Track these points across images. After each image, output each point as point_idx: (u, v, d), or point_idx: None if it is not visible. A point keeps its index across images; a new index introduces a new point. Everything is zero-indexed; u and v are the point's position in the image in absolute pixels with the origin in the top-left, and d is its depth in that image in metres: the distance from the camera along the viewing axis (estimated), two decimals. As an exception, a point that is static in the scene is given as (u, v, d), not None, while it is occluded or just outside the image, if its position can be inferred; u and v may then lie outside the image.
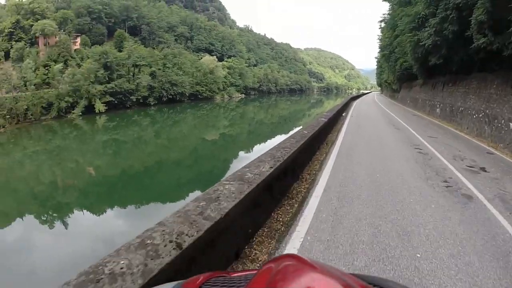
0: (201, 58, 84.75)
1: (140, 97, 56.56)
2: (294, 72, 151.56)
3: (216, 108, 66.81)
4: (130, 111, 53.03)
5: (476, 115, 15.31)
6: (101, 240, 11.15)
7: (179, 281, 0.71)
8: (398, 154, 9.67)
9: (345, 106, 25.59)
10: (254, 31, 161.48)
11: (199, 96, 72.53)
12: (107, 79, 51.57)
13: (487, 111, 14.18)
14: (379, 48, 43.62)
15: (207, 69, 76.88)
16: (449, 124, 18.30)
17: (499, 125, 12.93)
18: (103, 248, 8.19)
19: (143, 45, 73.82)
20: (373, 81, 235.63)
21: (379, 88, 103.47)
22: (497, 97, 13.54)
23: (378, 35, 57.60)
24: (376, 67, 79.46)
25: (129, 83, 55.42)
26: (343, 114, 20.31)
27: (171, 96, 63.04)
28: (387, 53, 34.99)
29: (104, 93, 49.96)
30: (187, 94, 68.29)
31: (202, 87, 73.71)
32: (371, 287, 0.51)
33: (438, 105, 22.01)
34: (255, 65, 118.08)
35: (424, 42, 16.47)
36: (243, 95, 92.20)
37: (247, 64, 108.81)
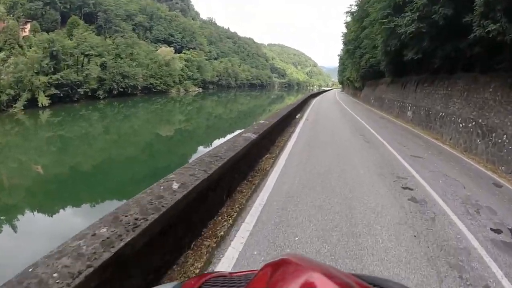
0: (158, 49, 79.20)
1: (88, 90, 51.25)
2: (256, 67, 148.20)
3: (171, 102, 62.70)
4: (78, 105, 48.17)
5: (463, 124, 12.17)
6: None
7: (179, 281, 0.71)
8: (381, 215, 5.02)
9: (302, 105, 22.13)
10: (217, 24, 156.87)
11: (153, 89, 67.35)
12: (52, 69, 45.75)
13: (480, 120, 11.01)
14: (343, 44, 40.72)
15: (162, 61, 71.40)
16: (426, 132, 15.20)
17: (499, 140, 9.73)
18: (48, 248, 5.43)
19: (98, 34, 68.19)
20: (335, 78, 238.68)
21: (340, 85, 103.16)
22: (496, 104, 10.34)
23: (342, 32, 56.35)
24: (338, 64, 77.59)
25: (77, 74, 49.82)
26: (297, 116, 16.78)
27: (122, 89, 57.79)
28: (352, 49, 32.00)
29: (49, 85, 44.23)
30: (140, 88, 63.06)
31: (157, 80, 68.37)
32: (371, 287, 0.51)
33: (409, 107, 19.01)
34: (215, 59, 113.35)
35: (403, 30, 13.03)
36: (200, 89, 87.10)
37: (207, 57, 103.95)
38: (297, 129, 12.95)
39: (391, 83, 24.20)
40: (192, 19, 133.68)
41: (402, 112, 20.22)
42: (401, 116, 20.28)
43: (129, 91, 59.92)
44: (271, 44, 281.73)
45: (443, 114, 14.14)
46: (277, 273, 0.51)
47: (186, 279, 0.69)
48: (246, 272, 0.67)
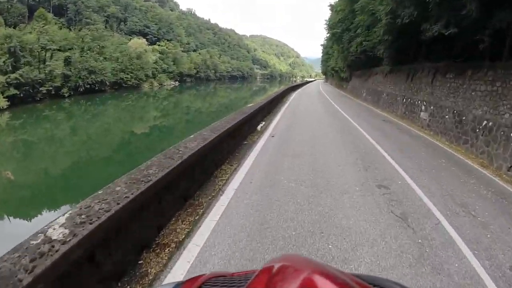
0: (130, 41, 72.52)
1: (51, 88, 45.39)
2: (237, 58, 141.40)
3: (143, 98, 57.01)
4: (41, 105, 43.01)
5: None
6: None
7: (179, 281, 0.70)
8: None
9: (274, 103, 16.56)
10: (197, 15, 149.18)
11: (123, 84, 60.97)
12: (10, 68, 40.28)
13: None
14: (328, 28, 34.75)
15: (133, 54, 64.67)
16: (459, 148, 9.85)
17: None
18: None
19: (69, 28, 62.36)
20: (318, 69, 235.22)
21: (324, 76, 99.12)
22: None
23: (325, 20, 51.55)
24: (321, 54, 73.83)
25: (39, 71, 44.07)
26: (259, 127, 11.13)
27: (88, 86, 51.89)
28: (338, 32, 26.27)
29: (7, 85, 39.02)
30: (108, 83, 56.68)
31: (127, 74, 61.90)
32: (371, 287, 0.50)
33: (423, 107, 13.54)
34: (194, 50, 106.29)
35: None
36: (177, 82, 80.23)
37: (185, 49, 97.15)
38: (246, 162, 6.96)
39: (390, 72, 18.76)
40: (171, 10, 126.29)
41: (411, 112, 14.75)
42: (409, 118, 14.83)
43: (97, 88, 53.88)
44: (253, 35, 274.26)
45: (491, 124, 8.66)
46: (277, 273, 0.50)
47: (186, 279, 0.67)
48: (246, 272, 0.65)
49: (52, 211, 11.74)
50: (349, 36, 23.67)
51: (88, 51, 56.10)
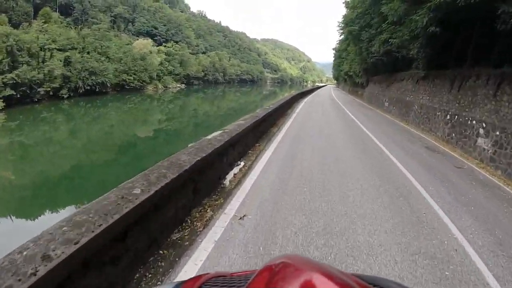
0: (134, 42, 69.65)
1: (50, 89, 42.90)
2: (247, 61, 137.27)
3: (147, 101, 54.13)
4: (39, 106, 41.10)
5: None
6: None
7: (179, 281, 0.70)
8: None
9: (272, 120, 12.35)
10: (208, 18, 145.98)
11: (126, 86, 57.84)
12: (7, 67, 37.94)
13: None
14: (343, 27, 30.19)
15: (137, 55, 61.52)
16: None
17: None
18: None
19: (76, 27, 60.17)
20: (329, 74, 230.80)
21: (335, 81, 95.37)
22: None
23: (338, 22, 47.95)
24: (333, 59, 69.08)
25: (38, 72, 41.46)
26: (234, 173, 6.07)
27: (89, 87, 49.11)
28: (356, 30, 22.04)
29: (3, 85, 36.81)
30: (109, 85, 53.74)
31: (130, 76, 58.68)
32: (371, 287, 0.50)
33: (484, 131, 9.35)
34: (204, 53, 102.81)
35: None
36: (183, 85, 76.77)
37: (194, 51, 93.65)
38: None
39: (424, 78, 14.56)
40: (181, 12, 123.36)
41: (461, 135, 10.54)
42: (458, 143, 10.62)
43: (98, 89, 50.95)
44: (265, 39, 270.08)
45: None
46: (277, 273, 0.49)
47: (186, 279, 0.66)
48: (246, 273, 0.65)
49: (48, 214, 11.31)
50: (370, 34, 19.53)
51: (89, 51, 53.33)
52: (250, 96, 79.20)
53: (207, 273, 0.67)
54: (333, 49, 64.63)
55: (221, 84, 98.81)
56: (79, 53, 51.28)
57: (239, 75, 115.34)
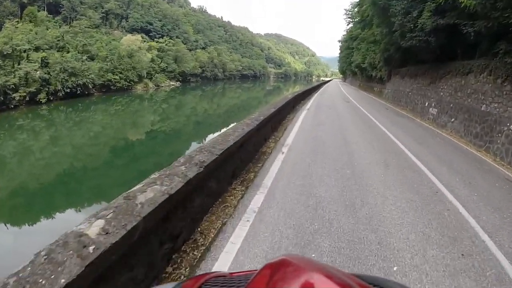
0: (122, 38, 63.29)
1: (26, 94, 37.75)
2: (249, 56, 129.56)
3: (135, 102, 47.96)
4: (16, 113, 36.88)
5: None
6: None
7: (179, 281, 0.72)
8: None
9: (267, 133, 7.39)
10: (209, 13, 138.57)
11: (112, 87, 51.45)
12: None
13: None
14: (352, 11, 23.02)
15: (124, 52, 54.86)
16: None
17: None
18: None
19: (65, 26, 55.33)
20: (333, 68, 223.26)
21: (341, 75, 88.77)
22: None
23: (345, 10, 42.11)
24: (339, 52, 64.38)
25: (13, 76, 36.47)
26: None
27: (69, 90, 43.06)
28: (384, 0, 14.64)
29: None
30: (91, 86, 47.25)
31: (116, 75, 52.13)
32: (371, 287, 0.49)
33: None
34: (203, 48, 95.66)
35: None
36: (178, 83, 69.97)
37: (191, 47, 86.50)
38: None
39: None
40: (180, 7, 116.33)
41: None
42: None
43: (80, 91, 44.91)
44: (268, 34, 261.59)
45: None
46: (277, 273, 0.49)
47: (187, 279, 0.65)
48: (246, 272, 0.65)
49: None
50: (408, 2, 12.26)
51: (69, 51, 47.64)
52: (252, 92, 74.53)
53: (207, 273, 0.66)
54: (339, 41, 59.78)
55: (221, 81, 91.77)
56: (58, 51, 45.61)
57: (240, 71, 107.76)
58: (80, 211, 11.77)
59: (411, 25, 12.53)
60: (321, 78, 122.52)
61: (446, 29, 10.86)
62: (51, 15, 58.61)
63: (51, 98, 41.07)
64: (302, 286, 0.42)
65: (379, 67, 24.68)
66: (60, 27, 54.74)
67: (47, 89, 40.39)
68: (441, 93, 12.68)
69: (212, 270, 3.33)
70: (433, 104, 13.37)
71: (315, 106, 17.45)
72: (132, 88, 55.75)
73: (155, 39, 73.54)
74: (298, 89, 27.63)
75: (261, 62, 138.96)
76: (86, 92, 46.52)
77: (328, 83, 61.47)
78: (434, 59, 13.64)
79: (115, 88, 51.82)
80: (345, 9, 41.68)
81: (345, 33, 50.57)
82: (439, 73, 13.10)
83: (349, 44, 43.91)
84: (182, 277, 2.84)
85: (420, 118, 14.42)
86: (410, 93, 17.05)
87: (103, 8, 73.47)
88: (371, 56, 26.26)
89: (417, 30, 11.91)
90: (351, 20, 41.79)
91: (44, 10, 58.94)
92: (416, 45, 12.59)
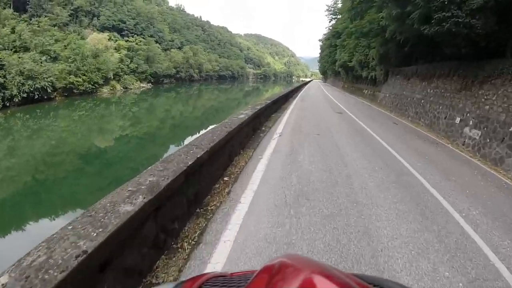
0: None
1: None
2: (228, 57, 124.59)
3: (101, 106, 43.58)
4: None
5: None
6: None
7: (179, 281, 0.69)
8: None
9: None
10: (187, 12, 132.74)
11: (75, 90, 46.22)
12: None
13: None
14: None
15: (88, 52, 49.56)
16: None
17: None
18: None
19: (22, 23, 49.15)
20: (313, 69, 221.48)
21: (322, 76, 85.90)
22: None
23: (327, 6, 39.93)
24: (320, 51, 63.64)
25: None
26: None
27: (25, 95, 38.15)
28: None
29: None
30: (50, 90, 41.90)
31: (79, 77, 46.83)
32: (371, 287, 0.48)
33: None
34: (179, 48, 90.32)
35: None
36: (149, 84, 64.66)
37: (167, 46, 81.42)
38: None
39: None
40: (157, 5, 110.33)
41: None
42: None
43: (38, 96, 40.15)
44: (248, 34, 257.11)
45: None
46: (277, 273, 0.48)
47: (186, 279, 0.66)
48: (246, 273, 0.64)
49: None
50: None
51: (26, 51, 42.70)
52: (231, 94, 71.71)
53: (207, 273, 0.66)
54: (320, 40, 57.66)
55: (197, 82, 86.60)
56: (16, 52, 40.76)
57: (217, 71, 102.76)
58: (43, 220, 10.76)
59: (421, 10, 8.20)
60: (301, 79, 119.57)
61: (502, 7, 6.60)
62: (17, 13, 53.11)
63: (7, 104, 36.38)
64: (302, 286, 0.42)
65: (372, 65, 20.49)
66: (28, 25, 49.03)
67: (2, 95, 35.60)
68: (486, 106, 8.40)
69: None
70: (470, 122, 9.11)
71: (291, 127, 10.74)
72: (97, 91, 50.39)
73: (125, 38, 67.89)
74: (277, 90, 25.10)
75: (240, 63, 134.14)
76: (46, 97, 41.72)
77: (308, 84, 57.66)
78: (471, 55, 9.30)
79: (78, 91, 46.59)
80: (327, 5, 39.00)
81: (327, 31, 47.83)
82: (478, 75, 8.81)
83: (331, 42, 40.21)
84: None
85: (446, 140, 10.12)
86: (422, 101, 12.82)
87: (72, 5, 67.64)
88: (361, 52, 22.05)
89: (453, 9, 7.57)
90: (333, 17, 39.34)
91: (10, 7, 53.85)
92: (447, 32, 8.21)
